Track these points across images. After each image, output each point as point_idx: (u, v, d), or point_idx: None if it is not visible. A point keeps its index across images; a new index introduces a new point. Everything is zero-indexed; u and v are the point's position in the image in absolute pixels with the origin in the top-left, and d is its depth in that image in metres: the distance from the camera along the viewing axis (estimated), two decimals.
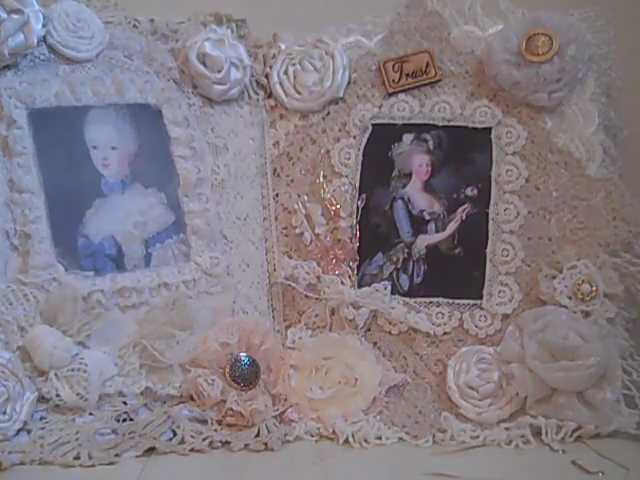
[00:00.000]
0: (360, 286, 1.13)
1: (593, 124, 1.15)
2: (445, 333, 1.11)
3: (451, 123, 1.17)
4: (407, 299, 1.12)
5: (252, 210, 1.19)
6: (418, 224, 1.15)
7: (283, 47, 1.23)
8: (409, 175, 1.17)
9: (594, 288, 1.07)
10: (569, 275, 1.09)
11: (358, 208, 1.16)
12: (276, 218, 1.19)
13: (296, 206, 1.17)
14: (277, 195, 1.19)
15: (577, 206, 1.12)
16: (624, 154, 1.18)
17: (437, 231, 1.14)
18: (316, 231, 1.15)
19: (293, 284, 1.14)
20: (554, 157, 1.14)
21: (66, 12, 1.12)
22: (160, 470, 0.91)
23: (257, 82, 1.22)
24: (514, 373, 1.04)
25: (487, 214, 1.13)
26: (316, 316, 1.13)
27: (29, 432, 0.96)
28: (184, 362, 1.05)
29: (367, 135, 1.18)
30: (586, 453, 0.96)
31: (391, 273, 1.14)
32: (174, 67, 1.17)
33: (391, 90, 1.19)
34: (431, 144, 1.17)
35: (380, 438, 1.01)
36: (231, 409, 1.01)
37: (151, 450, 0.95)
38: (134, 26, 1.18)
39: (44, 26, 1.09)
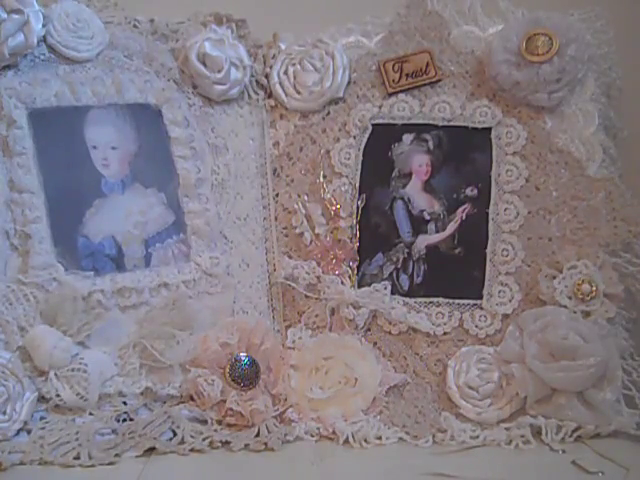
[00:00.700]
0: (360, 286, 1.13)
1: (593, 124, 1.15)
2: (445, 333, 1.11)
3: (451, 123, 1.17)
4: (407, 299, 1.12)
5: (252, 210, 1.19)
6: (418, 224, 1.15)
7: (283, 47, 1.23)
8: (409, 175, 1.17)
9: (594, 288, 1.07)
10: (569, 275, 1.09)
11: (358, 208, 1.16)
12: (276, 218, 1.19)
13: (296, 206, 1.17)
14: (277, 195, 1.19)
15: (577, 206, 1.12)
16: (624, 154, 1.18)
17: (437, 231, 1.14)
18: (316, 231, 1.15)
19: (293, 284, 1.14)
20: (554, 157, 1.14)
21: (66, 12, 1.12)
22: (160, 470, 0.91)
23: (257, 82, 1.22)
24: (514, 373, 1.04)
25: (487, 214, 1.13)
26: (316, 316, 1.13)
27: (29, 432, 0.96)
28: (184, 362, 1.05)
29: (367, 135, 1.18)
30: (586, 453, 0.96)
31: (391, 273, 1.14)
32: (174, 67, 1.17)
33: (391, 90, 1.19)
34: (431, 144, 1.17)
35: (380, 438, 1.01)
36: (231, 409, 1.01)
37: (151, 450, 0.95)
38: (134, 26, 1.18)
39: (44, 26, 1.09)
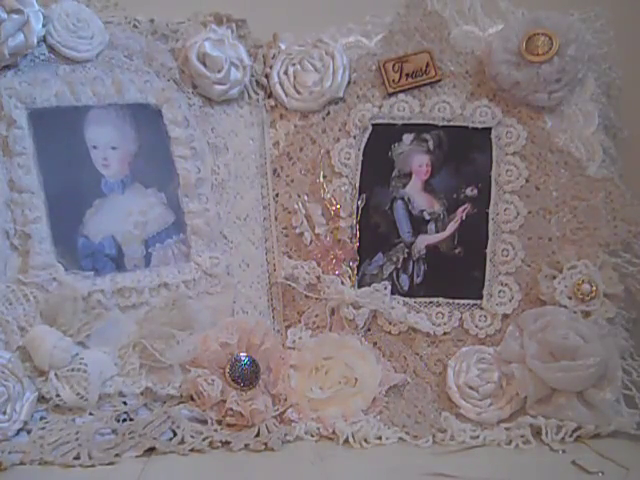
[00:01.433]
0: (360, 286, 1.13)
1: (593, 124, 1.15)
2: (445, 333, 1.11)
3: (451, 123, 1.17)
4: (407, 299, 1.12)
5: (252, 210, 1.19)
6: (418, 224, 1.15)
7: (283, 47, 1.23)
8: (409, 175, 1.17)
9: (594, 288, 1.07)
10: (569, 275, 1.09)
11: (358, 208, 1.16)
12: (276, 218, 1.19)
13: (296, 206, 1.17)
14: (277, 195, 1.19)
15: (577, 206, 1.12)
16: (624, 154, 1.18)
17: (437, 231, 1.14)
18: (316, 231, 1.15)
19: (293, 284, 1.14)
20: (554, 157, 1.14)
21: (66, 12, 1.12)
22: (160, 470, 0.91)
23: (257, 82, 1.22)
24: (514, 373, 1.04)
25: (487, 214, 1.13)
26: (316, 316, 1.13)
27: (29, 432, 0.96)
28: (184, 362, 1.04)
29: (367, 135, 1.18)
30: (586, 453, 0.96)
31: (391, 273, 1.14)
32: (174, 67, 1.17)
33: (391, 90, 1.19)
34: (431, 144, 1.17)
35: (380, 438, 1.01)
36: (231, 409, 1.01)
37: (151, 450, 0.95)
38: (134, 26, 1.18)
39: (44, 26, 1.09)
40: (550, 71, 1.13)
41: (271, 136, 1.21)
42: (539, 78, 1.13)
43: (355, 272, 1.14)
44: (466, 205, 1.15)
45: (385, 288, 1.11)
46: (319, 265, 1.14)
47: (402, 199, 1.16)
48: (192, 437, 0.97)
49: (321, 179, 1.17)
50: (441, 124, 1.17)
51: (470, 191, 1.15)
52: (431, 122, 1.17)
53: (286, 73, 1.21)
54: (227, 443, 0.98)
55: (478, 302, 1.11)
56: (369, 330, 1.12)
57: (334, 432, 1.01)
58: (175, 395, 1.04)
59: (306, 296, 1.14)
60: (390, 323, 1.12)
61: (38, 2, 1.09)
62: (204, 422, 1.02)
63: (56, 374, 0.99)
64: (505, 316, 1.10)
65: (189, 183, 1.13)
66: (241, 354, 1.05)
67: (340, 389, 1.06)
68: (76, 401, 0.99)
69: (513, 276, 1.11)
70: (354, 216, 1.15)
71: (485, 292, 1.11)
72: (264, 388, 1.05)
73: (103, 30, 1.14)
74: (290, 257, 1.16)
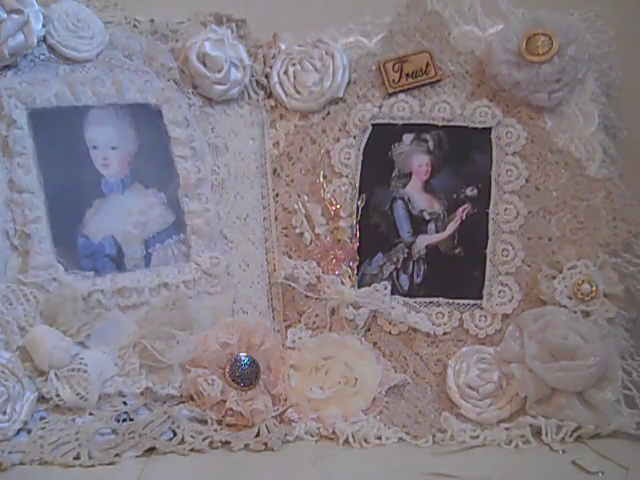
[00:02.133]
0: (360, 286, 1.13)
1: (593, 124, 1.15)
2: (445, 333, 1.11)
3: (451, 123, 1.17)
4: (407, 299, 1.12)
5: (252, 210, 1.19)
6: (418, 224, 1.15)
7: (283, 47, 1.23)
8: (409, 175, 1.17)
9: (594, 288, 1.07)
10: (569, 275, 1.09)
11: (358, 208, 1.16)
12: (276, 218, 1.19)
13: (296, 206, 1.17)
14: (277, 195, 1.19)
15: (577, 206, 1.12)
16: (624, 154, 1.18)
17: (437, 231, 1.14)
18: (316, 231, 1.15)
19: (293, 284, 1.14)
20: (554, 157, 1.14)
21: (66, 12, 1.12)
22: (160, 470, 0.91)
23: (257, 82, 1.22)
24: (514, 373, 1.04)
25: (487, 214, 1.13)
26: (316, 316, 1.13)
27: (29, 432, 0.96)
28: (184, 362, 1.04)
29: (367, 135, 1.18)
30: (586, 453, 0.96)
31: (391, 273, 1.14)
32: (174, 67, 1.17)
33: (391, 90, 1.19)
34: (431, 144, 1.17)
35: (380, 438, 1.01)
36: (231, 409, 1.01)
37: (151, 450, 0.95)
38: (134, 26, 1.18)
39: (44, 26, 1.09)
40: (550, 71, 1.13)
41: (271, 136, 1.21)
42: (539, 78, 1.13)
43: (355, 272, 1.14)
44: (466, 205, 1.15)
45: (385, 288, 1.11)
46: (319, 265, 1.14)
47: (402, 199, 1.16)
48: (192, 437, 0.97)
49: (321, 179, 1.17)
50: (441, 124, 1.17)
51: (470, 191, 1.15)
52: (431, 122, 1.17)
53: (286, 73, 1.21)
54: (227, 443, 0.98)
55: (478, 302, 1.11)
56: (369, 330, 1.12)
57: (334, 432, 1.01)
58: (175, 395, 1.04)
59: (306, 296, 1.14)
60: (390, 323, 1.12)
61: (38, 2, 1.09)
62: (204, 422, 1.02)
63: (56, 374, 0.99)
64: (505, 316, 1.10)
65: (189, 183, 1.13)
66: (241, 354, 1.05)
67: (340, 389, 1.06)
68: (76, 401, 0.99)
69: (513, 276, 1.11)
70: (354, 216, 1.15)
71: (485, 292, 1.11)
72: (264, 388, 1.05)
73: (103, 30, 1.14)
74: (290, 257, 1.16)
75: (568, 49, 1.13)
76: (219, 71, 1.16)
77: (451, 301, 1.12)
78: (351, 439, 0.99)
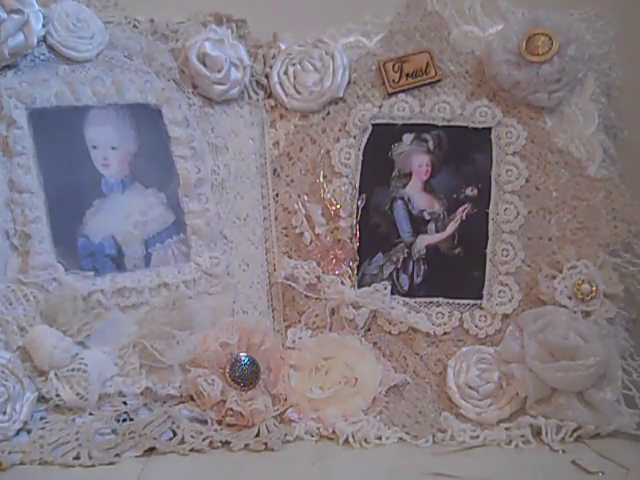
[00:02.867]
0: (360, 286, 1.13)
1: (593, 124, 1.15)
2: (445, 333, 1.11)
3: (451, 123, 1.17)
4: (407, 299, 1.12)
5: (252, 210, 1.19)
6: (418, 224, 1.15)
7: (283, 47, 1.23)
8: (409, 175, 1.17)
9: (594, 288, 1.08)
10: (569, 275, 1.09)
11: (358, 208, 1.16)
12: (276, 218, 1.19)
13: (296, 206, 1.17)
14: (277, 195, 1.19)
15: (577, 206, 1.13)
16: (624, 154, 1.18)
17: (437, 231, 1.14)
18: (316, 231, 1.15)
19: (293, 284, 1.14)
20: (554, 157, 1.14)
21: (66, 12, 1.12)
22: (160, 470, 0.92)
23: (257, 82, 1.22)
24: (514, 373, 1.04)
25: (487, 214, 1.14)
26: (316, 316, 1.13)
27: (29, 432, 0.96)
28: (184, 362, 1.05)
29: (367, 135, 1.18)
30: (586, 453, 0.96)
31: (391, 273, 1.14)
32: (174, 67, 1.17)
33: (391, 90, 1.19)
34: (431, 144, 1.17)
35: (380, 438, 1.01)
36: (231, 409, 1.01)
37: (151, 450, 0.95)
38: (134, 26, 1.18)
39: (44, 26, 1.09)
40: (550, 71, 1.13)
41: (271, 136, 1.21)
42: (539, 78, 1.13)
43: (355, 272, 1.14)
44: (466, 205, 1.15)
45: (385, 288, 1.11)
46: (319, 265, 1.14)
47: (402, 199, 1.16)
48: (192, 437, 0.97)
49: (321, 179, 1.17)
50: (441, 124, 1.17)
51: (470, 191, 1.15)
52: (431, 122, 1.17)
53: (286, 73, 1.21)
54: (227, 443, 0.98)
55: (478, 302, 1.11)
56: (369, 330, 1.12)
57: (334, 432, 1.01)
58: (175, 395, 1.04)
59: (306, 296, 1.14)
60: (390, 323, 1.12)
61: (38, 2, 1.09)
62: (204, 422, 1.02)
63: (56, 374, 0.99)
64: (505, 316, 1.10)
65: (189, 183, 1.13)
66: (241, 354, 1.05)
67: (340, 389, 1.06)
68: (76, 401, 0.99)
69: (513, 276, 1.11)
70: (354, 216, 1.15)
71: (485, 292, 1.11)
72: (264, 388, 1.05)
73: (103, 30, 1.14)
74: (290, 257, 1.16)
75: (568, 49, 1.13)
76: (219, 71, 1.16)
77: (451, 301, 1.12)
78: (351, 439, 1.00)
